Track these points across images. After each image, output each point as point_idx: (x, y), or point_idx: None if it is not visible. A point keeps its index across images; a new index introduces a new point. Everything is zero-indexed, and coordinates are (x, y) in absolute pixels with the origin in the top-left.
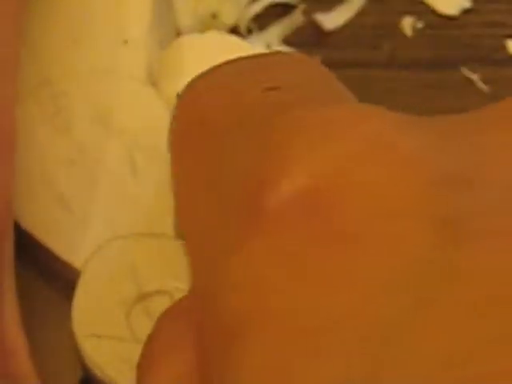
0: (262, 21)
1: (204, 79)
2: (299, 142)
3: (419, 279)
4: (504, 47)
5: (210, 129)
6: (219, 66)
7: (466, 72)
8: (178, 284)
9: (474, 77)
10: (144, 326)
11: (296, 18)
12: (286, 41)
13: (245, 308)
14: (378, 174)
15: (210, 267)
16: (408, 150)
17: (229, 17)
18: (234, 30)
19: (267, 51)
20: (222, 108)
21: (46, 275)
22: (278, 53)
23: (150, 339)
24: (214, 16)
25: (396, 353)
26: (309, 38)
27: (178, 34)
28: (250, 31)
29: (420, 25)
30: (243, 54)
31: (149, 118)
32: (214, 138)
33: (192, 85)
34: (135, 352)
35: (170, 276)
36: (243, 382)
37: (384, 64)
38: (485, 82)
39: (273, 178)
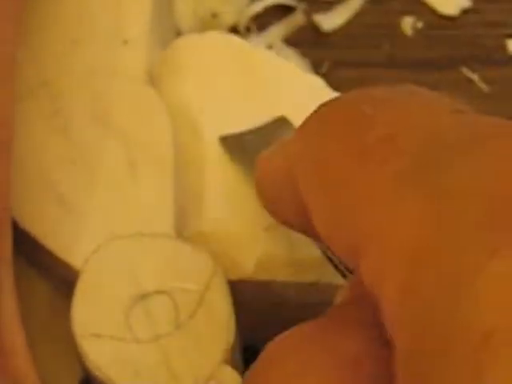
0: (262, 21)
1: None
2: None
3: None
4: (504, 47)
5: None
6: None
7: (466, 72)
8: (178, 284)
9: (474, 77)
10: (144, 326)
11: (296, 19)
12: (286, 41)
13: (495, 323)
14: None
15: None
16: None
17: (229, 17)
18: (234, 30)
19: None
20: (415, 126)
21: (45, 275)
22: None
23: (268, 366)
24: (214, 16)
25: None
26: (309, 38)
27: (178, 34)
28: (249, 31)
29: (420, 25)
30: (243, 54)
31: (148, 117)
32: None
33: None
34: (135, 352)
35: (170, 276)
36: None
37: (384, 64)
38: (485, 81)
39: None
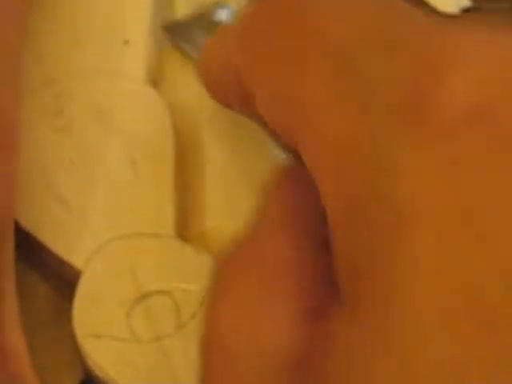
0: None
1: None
2: (463, 55)
3: None
4: None
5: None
6: None
7: None
8: (179, 284)
9: None
10: (144, 326)
11: None
12: None
13: (418, 196)
14: None
15: (367, 159)
16: None
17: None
18: None
19: None
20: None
21: (46, 275)
22: None
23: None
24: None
25: None
26: None
27: None
28: None
29: None
30: None
31: (149, 118)
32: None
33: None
34: (135, 352)
35: (170, 276)
36: (419, 268)
37: None
38: None
39: (444, 80)
